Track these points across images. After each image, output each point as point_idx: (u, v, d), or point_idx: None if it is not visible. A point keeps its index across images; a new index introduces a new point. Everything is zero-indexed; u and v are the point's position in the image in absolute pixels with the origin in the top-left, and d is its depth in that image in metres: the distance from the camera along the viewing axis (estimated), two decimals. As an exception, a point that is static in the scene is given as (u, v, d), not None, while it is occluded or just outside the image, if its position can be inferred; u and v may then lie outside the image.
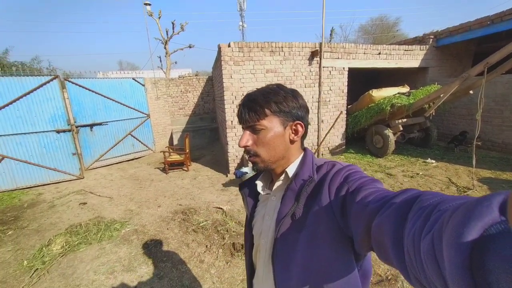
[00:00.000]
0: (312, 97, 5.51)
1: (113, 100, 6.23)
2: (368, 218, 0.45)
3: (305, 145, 0.75)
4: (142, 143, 7.06)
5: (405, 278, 0.37)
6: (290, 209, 0.63)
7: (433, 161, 4.99)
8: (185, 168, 5.65)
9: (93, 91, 5.86)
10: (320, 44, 5.20)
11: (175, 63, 15.20)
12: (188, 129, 8.09)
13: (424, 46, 6.40)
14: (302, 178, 0.64)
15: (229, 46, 4.77)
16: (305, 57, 5.28)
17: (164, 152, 5.49)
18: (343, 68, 5.62)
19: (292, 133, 0.68)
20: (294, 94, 0.68)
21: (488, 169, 4.48)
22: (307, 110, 0.71)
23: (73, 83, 5.57)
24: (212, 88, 8.72)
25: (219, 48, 4.82)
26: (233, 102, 4.98)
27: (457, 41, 6.16)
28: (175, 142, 8.03)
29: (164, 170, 5.58)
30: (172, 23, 12.73)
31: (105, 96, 6.07)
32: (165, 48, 13.62)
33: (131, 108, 6.65)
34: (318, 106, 5.58)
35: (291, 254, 0.63)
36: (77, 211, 3.81)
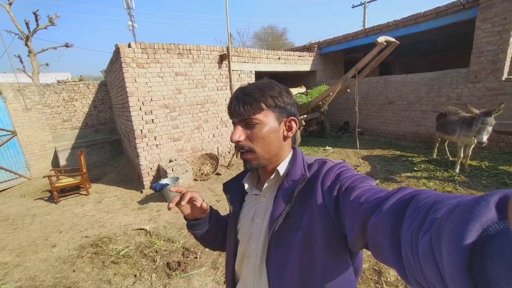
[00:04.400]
0: (225, 100, 5.59)
1: None
2: (363, 218, 0.45)
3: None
4: (7, 170, 5.28)
5: (403, 278, 0.36)
6: (283, 209, 0.60)
7: (330, 148, 6.02)
8: (84, 192, 4.59)
9: None
10: (228, 48, 5.33)
11: (47, 65, 12.11)
12: (79, 144, 6.59)
13: (312, 53, 7.67)
14: (294, 176, 0.63)
15: (129, 46, 4.19)
16: (214, 60, 5.28)
17: (49, 176, 4.26)
18: (250, 71, 5.97)
19: (286, 129, 0.66)
20: (287, 90, 0.68)
21: (365, 149, 5.80)
22: (298, 108, 0.71)
23: None
24: (108, 94, 7.47)
25: (117, 48, 4.15)
26: (140, 109, 4.42)
27: (333, 51, 7.72)
28: (62, 162, 6.40)
29: (52, 199, 4.35)
30: (35, 14, 9.83)
31: None
32: (26, 45, 10.43)
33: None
34: (232, 108, 5.71)
35: (287, 256, 0.60)
36: None
